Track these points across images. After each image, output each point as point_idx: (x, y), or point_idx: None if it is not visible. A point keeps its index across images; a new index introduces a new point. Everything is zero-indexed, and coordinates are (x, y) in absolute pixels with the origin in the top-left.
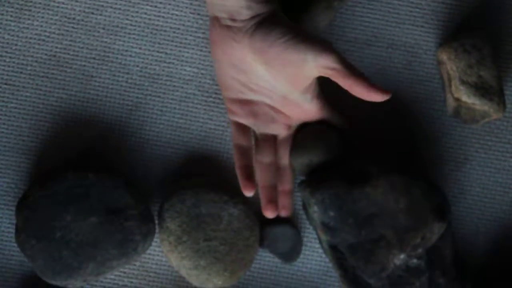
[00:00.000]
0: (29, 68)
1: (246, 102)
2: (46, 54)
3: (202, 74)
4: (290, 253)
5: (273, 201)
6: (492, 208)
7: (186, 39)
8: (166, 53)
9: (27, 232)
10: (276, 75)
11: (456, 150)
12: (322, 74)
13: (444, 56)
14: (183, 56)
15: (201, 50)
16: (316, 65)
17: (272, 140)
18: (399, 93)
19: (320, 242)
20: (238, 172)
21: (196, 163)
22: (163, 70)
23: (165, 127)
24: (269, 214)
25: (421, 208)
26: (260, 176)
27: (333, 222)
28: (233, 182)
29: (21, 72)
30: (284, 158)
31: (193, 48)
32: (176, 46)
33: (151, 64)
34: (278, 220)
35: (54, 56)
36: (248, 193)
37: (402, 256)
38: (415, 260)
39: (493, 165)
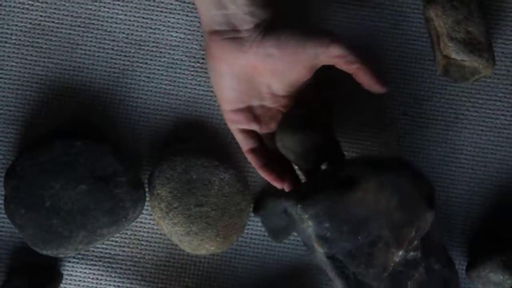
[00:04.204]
0: (13, 37)
1: (247, 109)
2: (30, 23)
3: (189, 39)
4: (280, 232)
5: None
6: (484, 166)
7: (172, 4)
8: (152, 19)
9: (16, 202)
10: (282, 77)
11: (447, 109)
12: (329, 63)
13: (431, 13)
14: (169, 21)
15: (187, 15)
16: (327, 56)
17: (272, 135)
18: (388, 54)
19: (314, 257)
20: (262, 172)
21: (185, 129)
22: (149, 37)
23: (153, 94)
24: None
25: (413, 200)
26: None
27: (329, 232)
28: (223, 147)
29: (5, 42)
30: None
31: (179, 13)
32: (162, 11)
33: (137, 31)
34: (281, 195)
35: (39, 24)
36: (281, 186)
37: (400, 252)
38: (412, 253)
39: (484, 123)
